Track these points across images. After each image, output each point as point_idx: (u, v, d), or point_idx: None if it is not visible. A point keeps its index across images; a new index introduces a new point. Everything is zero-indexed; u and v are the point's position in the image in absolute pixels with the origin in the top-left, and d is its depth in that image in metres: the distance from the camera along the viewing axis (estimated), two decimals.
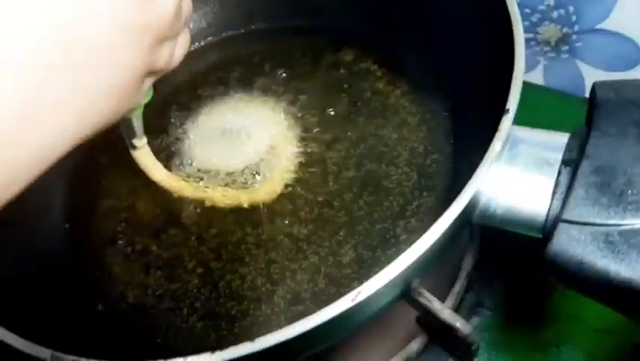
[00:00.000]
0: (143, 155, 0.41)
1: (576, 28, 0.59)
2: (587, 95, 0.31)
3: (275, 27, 0.53)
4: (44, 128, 0.23)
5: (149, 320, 0.37)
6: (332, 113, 0.44)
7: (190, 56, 0.52)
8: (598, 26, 0.57)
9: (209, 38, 0.54)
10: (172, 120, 0.47)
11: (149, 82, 0.31)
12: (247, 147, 0.43)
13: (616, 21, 0.56)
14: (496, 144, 0.28)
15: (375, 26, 0.48)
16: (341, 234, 0.38)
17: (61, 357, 0.26)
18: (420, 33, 0.45)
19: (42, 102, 0.22)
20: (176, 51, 0.32)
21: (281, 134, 0.43)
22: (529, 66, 0.65)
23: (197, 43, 0.54)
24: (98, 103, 0.26)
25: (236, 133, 0.44)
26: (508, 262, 0.42)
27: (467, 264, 0.42)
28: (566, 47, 0.61)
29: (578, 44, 0.60)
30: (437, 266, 0.33)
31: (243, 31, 0.53)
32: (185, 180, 0.43)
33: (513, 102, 0.29)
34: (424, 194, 0.38)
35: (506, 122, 0.28)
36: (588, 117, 0.29)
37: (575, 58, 0.61)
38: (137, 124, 0.38)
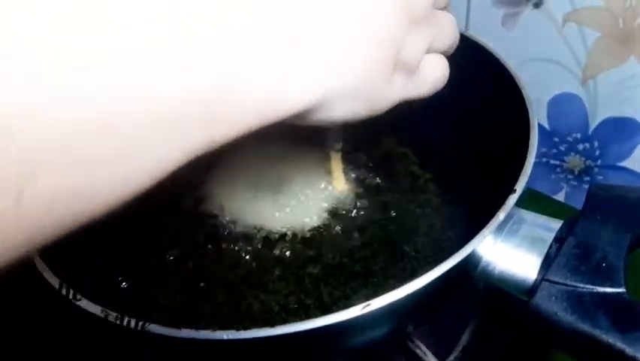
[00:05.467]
0: (337, 158, 0.48)
1: (599, 162, 0.64)
2: None
3: None
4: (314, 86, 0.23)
5: (172, 319, 0.41)
6: (367, 182, 0.50)
7: None
8: (619, 163, 0.62)
9: None
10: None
11: (399, 80, 0.26)
12: (283, 198, 0.48)
13: (636, 161, 0.61)
14: (501, 214, 0.33)
15: (417, 124, 0.55)
16: (355, 282, 0.42)
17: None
18: (452, 139, 0.51)
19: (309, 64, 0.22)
20: (433, 64, 0.28)
21: (318, 190, 0.49)
22: (554, 191, 0.70)
23: None
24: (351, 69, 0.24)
25: (275, 184, 0.49)
26: (507, 344, 0.45)
27: (464, 340, 0.45)
28: (587, 178, 0.66)
29: (599, 177, 0.65)
30: (432, 317, 0.37)
31: None
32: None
33: (520, 185, 0.35)
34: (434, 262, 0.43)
35: (512, 199, 0.34)
36: (582, 210, 0.34)
37: None
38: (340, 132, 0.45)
